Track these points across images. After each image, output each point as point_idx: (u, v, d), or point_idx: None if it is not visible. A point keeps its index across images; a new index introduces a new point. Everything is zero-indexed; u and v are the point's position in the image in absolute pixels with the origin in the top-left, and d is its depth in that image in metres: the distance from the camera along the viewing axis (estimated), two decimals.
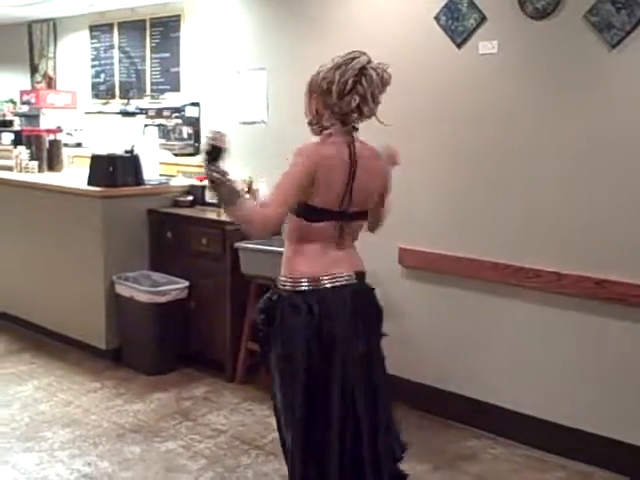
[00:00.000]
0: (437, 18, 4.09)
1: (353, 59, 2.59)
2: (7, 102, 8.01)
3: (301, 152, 2.57)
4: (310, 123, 2.69)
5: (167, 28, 6.13)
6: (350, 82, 2.56)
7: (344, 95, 2.57)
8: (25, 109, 7.23)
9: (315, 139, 2.69)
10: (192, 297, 4.95)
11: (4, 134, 7.24)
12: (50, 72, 7.55)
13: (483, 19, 3.92)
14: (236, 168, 5.09)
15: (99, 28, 6.86)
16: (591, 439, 3.68)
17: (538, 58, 3.75)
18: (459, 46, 4.03)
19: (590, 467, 3.67)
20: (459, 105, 4.06)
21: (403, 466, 3.46)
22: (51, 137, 6.28)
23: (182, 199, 5.29)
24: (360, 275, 2.73)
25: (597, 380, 3.68)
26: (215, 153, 2.54)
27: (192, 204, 5.28)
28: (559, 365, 3.80)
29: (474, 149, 4.03)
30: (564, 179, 3.71)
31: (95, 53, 6.93)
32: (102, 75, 6.87)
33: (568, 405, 3.78)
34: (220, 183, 2.52)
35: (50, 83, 7.54)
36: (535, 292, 3.84)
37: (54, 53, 7.47)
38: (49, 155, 6.19)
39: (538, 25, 3.72)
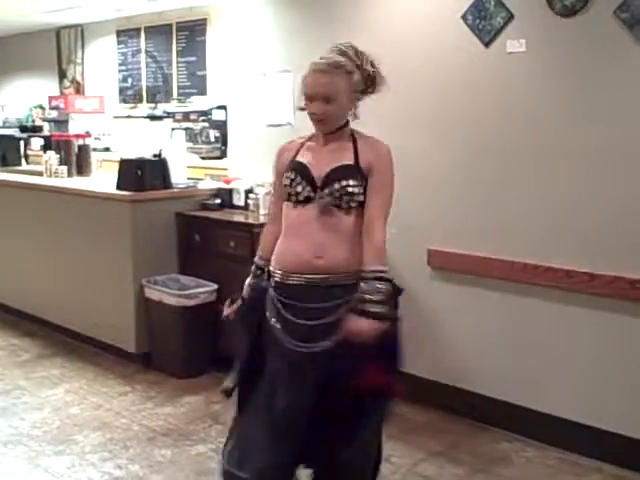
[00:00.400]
0: (464, 17, 4.05)
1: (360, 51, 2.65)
2: (36, 108, 8.12)
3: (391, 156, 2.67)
4: (339, 119, 2.64)
5: (193, 32, 6.16)
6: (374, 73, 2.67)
7: (377, 86, 2.68)
8: (54, 114, 7.32)
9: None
10: (221, 300, 4.94)
11: (34, 139, 7.34)
12: (78, 77, 7.63)
13: (511, 17, 3.88)
14: (262, 171, 5.10)
15: (126, 33, 6.92)
16: (627, 442, 3.62)
17: (567, 56, 3.70)
18: (487, 45, 3.99)
19: (625, 471, 3.61)
20: (487, 104, 4.02)
21: (439, 471, 3.44)
22: (80, 142, 6.32)
23: (210, 202, 5.30)
24: None
25: (632, 382, 3.62)
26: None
27: (220, 207, 5.28)
28: (592, 367, 3.74)
29: (503, 148, 3.99)
30: (595, 178, 3.65)
31: (122, 58, 6.99)
32: (129, 79, 6.93)
33: (601, 407, 3.72)
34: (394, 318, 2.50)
35: (78, 88, 7.62)
36: (566, 293, 3.78)
37: (82, 58, 7.55)
38: (78, 160, 6.23)
39: (567, 22, 3.67)
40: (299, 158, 2.67)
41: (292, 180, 2.61)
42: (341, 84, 2.57)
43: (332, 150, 2.64)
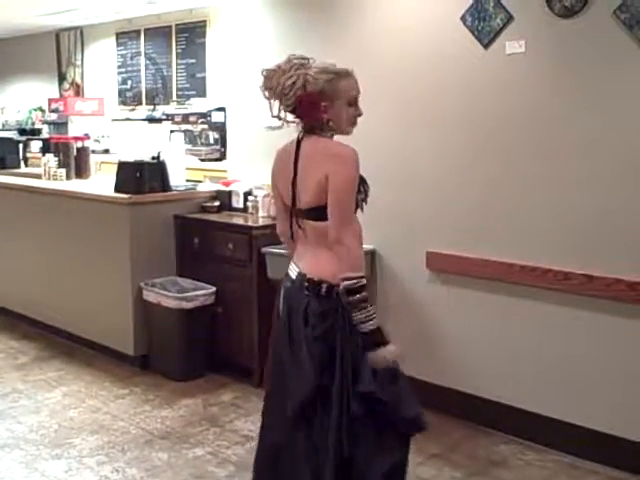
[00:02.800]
0: (463, 19, 4.04)
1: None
2: (35, 110, 8.10)
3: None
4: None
5: (193, 34, 6.14)
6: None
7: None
8: (53, 117, 7.31)
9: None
10: (219, 302, 4.94)
11: (33, 142, 7.32)
12: (77, 80, 7.60)
13: (510, 19, 3.86)
14: (262, 173, 5.09)
15: (125, 35, 6.89)
16: (625, 445, 3.60)
17: (567, 57, 3.69)
18: (486, 46, 3.97)
19: (624, 473, 3.59)
20: (485, 106, 4.01)
21: (437, 473, 3.41)
22: (79, 144, 6.31)
23: (209, 205, 5.29)
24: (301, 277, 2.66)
25: (631, 384, 3.60)
26: None
27: (219, 209, 5.28)
28: (590, 369, 3.73)
29: (501, 150, 3.97)
30: (593, 180, 3.64)
31: (122, 60, 6.97)
32: (129, 82, 6.90)
33: (600, 410, 3.70)
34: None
35: (78, 91, 7.60)
36: (565, 295, 3.77)
37: (81, 61, 7.52)
38: (77, 162, 6.23)
39: (566, 23, 3.66)
40: None
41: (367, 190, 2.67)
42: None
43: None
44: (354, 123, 2.66)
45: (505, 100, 3.93)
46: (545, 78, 3.78)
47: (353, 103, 2.64)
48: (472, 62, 4.04)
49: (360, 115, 2.66)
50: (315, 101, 2.57)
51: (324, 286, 2.57)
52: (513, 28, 3.87)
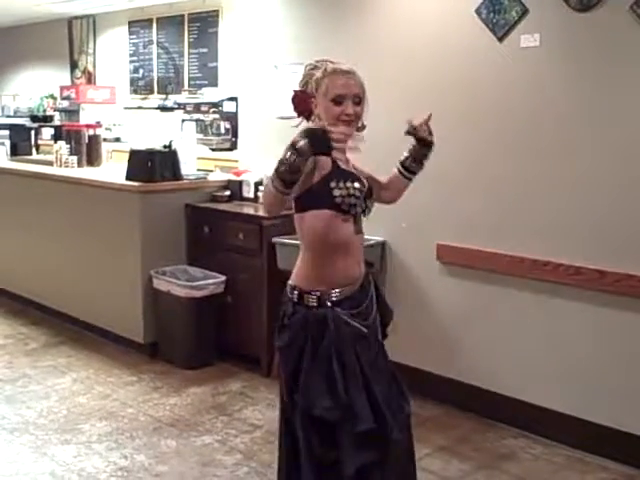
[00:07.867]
0: (478, 11, 4.02)
1: None
2: (47, 97, 8.13)
3: None
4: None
5: (205, 23, 6.15)
6: None
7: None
8: (65, 104, 7.35)
9: None
10: (229, 292, 4.95)
11: (44, 129, 7.35)
12: (89, 68, 7.63)
13: (525, 12, 3.85)
14: (273, 163, 5.09)
15: (138, 23, 6.92)
16: (635, 441, 3.60)
17: (582, 51, 3.67)
18: (500, 40, 3.96)
19: (634, 470, 3.59)
20: (500, 100, 4.00)
21: (445, 466, 3.41)
22: (90, 132, 6.32)
23: (219, 194, 5.29)
24: None
25: None
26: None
27: (229, 199, 5.28)
28: (600, 364, 3.72)
29: (513, 144, 3.96)
30: (605, 176, 3.62)
31: (134, 48, 6.99)
32: (141, 70, 6.93)
33: (610, 405, 3.70)
34: None
35: (90, 79, 7.63)
36: (575, 289, 3.76)
37: (94, 49, 7.55)
38: (88, 150, 6.23)
39: (582, 17, 3.64)
40: (346, 167, 2.58)
41: (357, 198, 2.52)
42: (364, 88, 2.61)
43: (349, 160, 2.66)
44: (342, 121, 2.52)
45: (519, 94, 3.91)
46: (560, 72, 3.76)
47: (337, 102, 2.54)
48: (486, 55, 4.02)
49: (348, 115, 2.52)
50: (304, 97, 2.66)
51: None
52: (528, 21, 3.85)
